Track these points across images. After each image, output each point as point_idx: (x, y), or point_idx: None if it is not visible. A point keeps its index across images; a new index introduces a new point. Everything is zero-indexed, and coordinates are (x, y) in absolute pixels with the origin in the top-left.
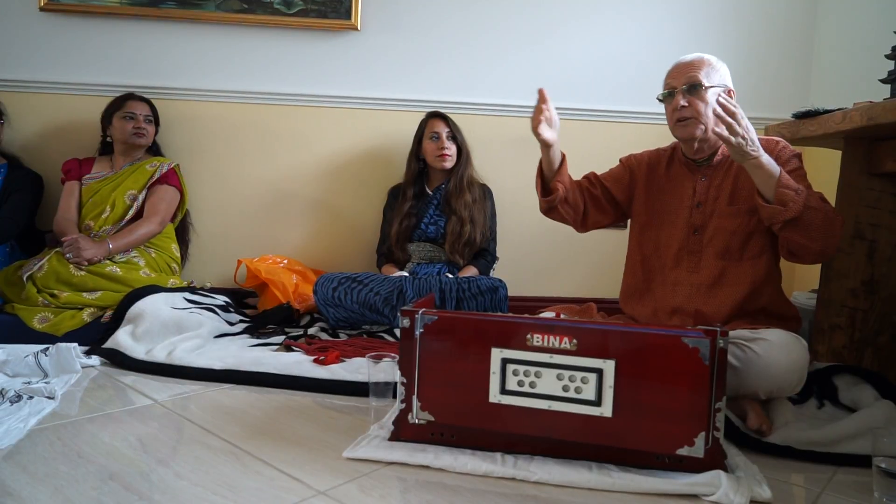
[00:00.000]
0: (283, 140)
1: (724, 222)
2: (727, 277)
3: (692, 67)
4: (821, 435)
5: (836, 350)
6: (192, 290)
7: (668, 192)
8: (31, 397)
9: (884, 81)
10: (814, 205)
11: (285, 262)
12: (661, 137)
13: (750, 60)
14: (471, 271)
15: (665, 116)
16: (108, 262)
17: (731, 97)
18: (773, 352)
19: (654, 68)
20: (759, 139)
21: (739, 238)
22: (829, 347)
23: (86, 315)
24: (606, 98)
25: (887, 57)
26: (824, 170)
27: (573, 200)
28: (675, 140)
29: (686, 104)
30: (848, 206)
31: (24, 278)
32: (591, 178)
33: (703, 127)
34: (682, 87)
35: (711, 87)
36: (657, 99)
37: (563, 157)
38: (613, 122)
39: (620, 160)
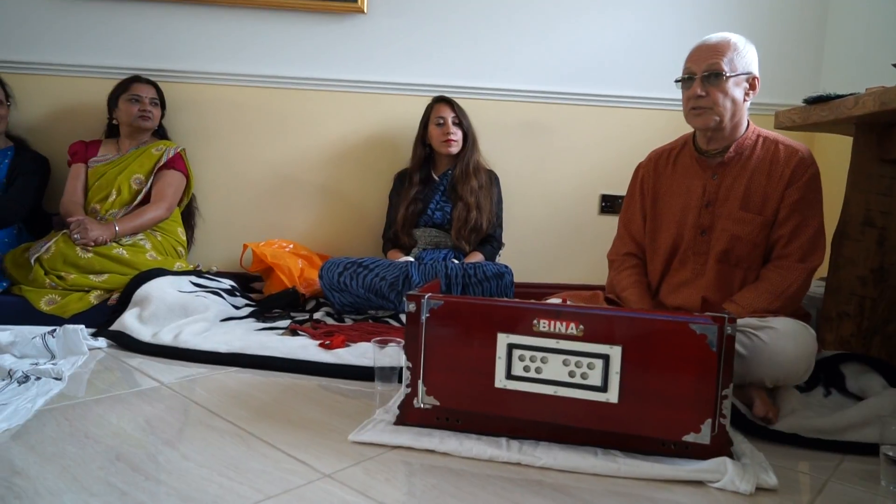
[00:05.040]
0: (289, 124)
1: (733, 226)
2: (732, 282)
3: (716, 52)
4: (827, 423)
5: (844, 338)
6: (199, 273)
7: (677, 192)
8: (38, 378)
9: None
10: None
11: (291, 246)
12: (672, 122)
13: (761, 44)
14: (477, 257)
15: (681, 101)
16: (114, 244)
17: (755, 84)
18: (781, 340)
19: (665, 53)
20: (780, 141)
21: (744, 245)
22: (837, 335)
23: (92, 297)
24: (617, 83)
25: None
26: (835, 156)
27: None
28: (687, 132)
29: (703, 94)
30: (858, 193)
31: (32, 260)
32: (635, 253)
33: (717, 118)
34: (702, 74)
35: (735, 75)
36: (675, 82)
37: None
38: (624, 107)
39: (636, 170)
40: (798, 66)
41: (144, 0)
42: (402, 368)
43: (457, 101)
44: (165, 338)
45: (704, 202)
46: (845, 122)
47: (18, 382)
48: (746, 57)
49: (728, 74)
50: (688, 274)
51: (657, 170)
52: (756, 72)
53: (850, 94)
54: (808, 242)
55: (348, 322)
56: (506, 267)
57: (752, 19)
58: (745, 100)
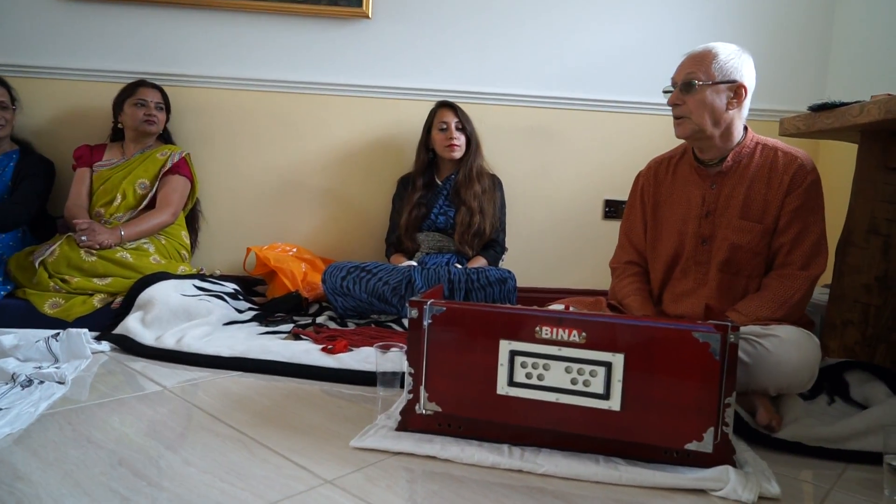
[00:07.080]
0: (293, 128)
1: (733, 235)
2: (735, 291)
3: (694, 62)
4: (831, 431)
5: (849, 346)
6: (202, 277)
7: (676, 201)
8: (41, 382)
9: None
10: (764, 314)
11: (294, 250)
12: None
13: (766, 51)
14: (480, 262)
15: None
16: (118, 248)
17: (741, 93)
18: (784, 349)
19: (668, 58)
20: (779, 148)
21: (745, 254)
22: (841, 343)
23: (96, 301)
24: (621, 88)
25: None
26: (840, 163)
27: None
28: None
29: (680, 102)
30: (863, 201)
31: (36, 264)
32: (636, 262)
33: (696, 127)
34: (680, 83)
35: (711, 84)
36: (663, 92)
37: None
38: (629, 112)
39: (636, 179)
40: (803, 73)
41: (150, 4)
42: (404, 374)
43: (460, 105)
44: (168, 342)
45: (704, 212)
46: (850, 129)
47: (22, 386)
48: (729, 65)
49: (703, 83)
50: (690, 284)
51: (657, 178)
52: (743, 80)
53: (856, 102)
54: (810, 249)
55: (351, 326)
56: (509, 272)
57: (757, 26)
58: (728, 108)
